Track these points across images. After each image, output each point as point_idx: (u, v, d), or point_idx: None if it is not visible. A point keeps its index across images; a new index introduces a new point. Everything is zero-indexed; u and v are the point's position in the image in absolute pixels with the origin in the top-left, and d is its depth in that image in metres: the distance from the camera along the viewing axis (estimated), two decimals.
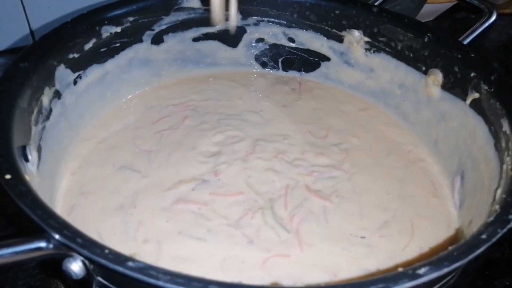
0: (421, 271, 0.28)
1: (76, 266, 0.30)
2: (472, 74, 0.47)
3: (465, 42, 0.52)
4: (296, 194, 0.47)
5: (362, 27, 0.57)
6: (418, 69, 0.54)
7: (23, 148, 0.39)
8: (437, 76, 0.52)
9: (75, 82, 0.51)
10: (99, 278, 0.32)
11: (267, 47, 0.63)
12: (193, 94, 0.59)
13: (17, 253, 0.29)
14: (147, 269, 0.27)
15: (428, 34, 0.52)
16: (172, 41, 0.59)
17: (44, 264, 0.47)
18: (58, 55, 0.47)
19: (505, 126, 0.41)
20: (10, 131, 0.37)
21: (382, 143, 0.54)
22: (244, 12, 0.60)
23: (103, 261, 0.28)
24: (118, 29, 0.53)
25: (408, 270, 0.28)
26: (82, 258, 0.30)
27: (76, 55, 0.50)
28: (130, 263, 0.28)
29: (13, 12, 0.71)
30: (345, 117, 0.58)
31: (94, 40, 0.51)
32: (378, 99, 0.60)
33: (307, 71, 0.64)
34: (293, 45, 0.63)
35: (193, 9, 0.58)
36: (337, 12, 0.58)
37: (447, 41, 0.51)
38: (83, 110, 0.52)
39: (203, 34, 0.61)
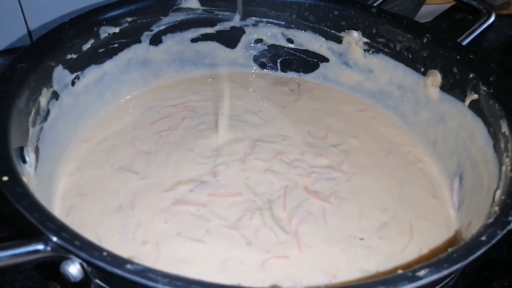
0: (421, 273, 0.28)
1: (74, 269, 0.30)
2: (471, 75, 0.47)
3: (464, 43, 0.52)
4: (295, 195, 0.47)
5: (361, 28, 0.57)
6: (417, 70, 0.54)
7: (21, 150, 0.38)
8: (436, 77, 0.52)
9: (73, 83, 0.50)
10: (97, 281, 0.32)
11: (266, 47, 0.63)
12: (192, 94, 0.59)
13: (14, 255, 0.29)
14: (145, 271, 0.27)
15: (427, 35, 0.52)
16: (170, 42, 0.59)
17: (42, 266, 0.46)
18: (56, 55, 0.47)
19: (504, 127, 0.41)
20: (7, 133, 0.37)
21: (381, 144, 0.54)
22: (243, 12, 0.60)
23: (101, 264, 0.28)
24: (117, 30, 0.53)
25: (408, 272, 0.28)
26: (80, 260, 0.30)
27: (74, 56, 0.49)
28: (128, 266, 0.27)
29: (10, 13, 0.71)
30: (344, 117, 0.58)
31: (92, 41, 0.51)
32: (377, 100, 0.60)
33: (306, 72, 0.64)
34: (292, 46, 0.62)
35: (191, 9, 0.58)
36: (336, 12, 0.58)
37: (446, 42, 0.51)
38: (81, 111, 0.52)
39: (201, 35, 0.60)
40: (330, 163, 0.51)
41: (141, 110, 0.57)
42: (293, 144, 0.53)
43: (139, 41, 0.57)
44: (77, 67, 0.50)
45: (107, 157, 0.50)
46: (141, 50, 0.57)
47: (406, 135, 0.56)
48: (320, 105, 0.60)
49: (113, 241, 0.41)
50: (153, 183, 0.47)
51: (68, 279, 0.31)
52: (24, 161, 0.38)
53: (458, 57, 0.49)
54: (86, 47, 0.51)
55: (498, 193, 0.37)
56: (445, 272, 0.28)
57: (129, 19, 0.54)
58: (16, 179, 0.33)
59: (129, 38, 0.55)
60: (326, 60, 0.62)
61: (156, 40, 0.58)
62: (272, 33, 0.62)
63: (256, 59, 0.64)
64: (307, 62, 0.63)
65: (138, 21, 0.55)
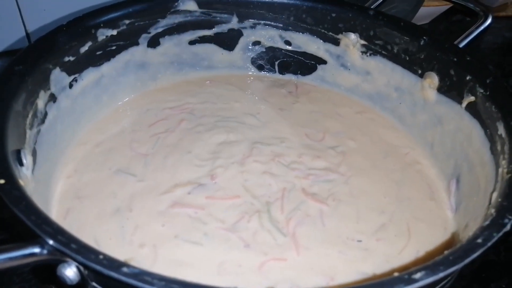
0: (417, 275, 0.28)
1: (70, 272, 0.30)
2: (467, 77, 0.47)
3: (461, 45, 0.52)
4: (293, 197, 0.47)
5: (359, 30, 0.57)
6: (414, 72, 0.54)
7: (18, 152, 0.38)
8: (433, 79, 0.52)
9: (70, 86, 0.50)
10: (94, 284, 0.32)
11: (264, 50, 0.63)
12: (190, 97, 0.59)
13: (10, 259, 0.29)
14: (141, 275, 0.27)
15: (424, 37, 0.52)
16: (168, 44, 0.59)
17: (39, 269, 0.46)
18: (54, 58, 0.47)
19: (501, 130, 0.41)
20: (4, 135, 0.37)
21: (379, 146, 0.54)
22: (240, 15, 0.60)
23: (98, 267, 0.28)
24: (114, 32, 0.53)
25: (404, 275, 0.28)
26: (76, 263, 0.30)
27: (71, 58, 0.49)
28: (124, 269, 0.27)
29: (8, 15, 0.71)
30: (342, 120, 0.58)
31: (90, 43, 0.51)
32: (375, 102, 0.60)
33: (303, 74, 0.64)
34: (289, 48, 0.63)
35: (189, 12, 0.58)
36: (333, 15, 0.58)
37: (443, 44, 0.51)
38: (79, 113, 0.52)
39: (199, 37, 0.60)
40: (327, 165, 0.51)
41: (139, 113, 0.57)
42: (291, 146, 0.53)
43: (137, 44, 0.57)
44: (74, 69, 0.50)
45: (105, 160, 0.50)
46: (138, 52, 0.57)
47: (404, 137, 0.56)
48: (318, 107, 0.60)
49: (111, 243, 0.41)
50: (150, 185, 0.47)
51: (65, 282, 0.31)
52: (21, 164, 0.38)
53: (455, 59, 0.49)
54: (83, 49, 0.51)
55: (495, 195, 0.37)
56: (441, 274, 0.28)
57: (127, 21, 0.54)
58: (13, 182, 0.33)
59: (127, 40, 0.55)
60: (324, 62, 0.62)
61: (153, 43, 0.58)
62: (270, 35, 0.62)
63: (253, 61, 0.64)
64: (305, 64, 0.63)
65: (136, 24, 0.55)
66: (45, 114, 0.46)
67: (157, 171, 0.49)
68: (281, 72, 0.65)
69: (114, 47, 0.54)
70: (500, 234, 0.31)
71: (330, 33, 0.59)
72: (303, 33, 0.61)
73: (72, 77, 0.50)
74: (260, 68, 0.65)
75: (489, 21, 0.53)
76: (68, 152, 0.50)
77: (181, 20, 0.58)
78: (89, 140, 0.52)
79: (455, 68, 0.49)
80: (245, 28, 0.61)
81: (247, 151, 0.52)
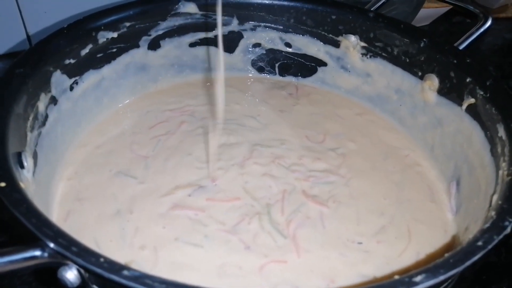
0: (417, 278, 0.28)
1: (71, 275, 0.30)
2: (468, 79, 0.47)
3: (461, 47, 0.52)
4: (293, 199, 0.47)
5: (359, 32, 0.57)
6: (414, 74, 0.54)
7: (19, 155, 0.38)
8: (433, 81, 0.52)
9: (71, 88, 0.50)
10: (95, 286, 0.32)
11: (264, 52, 0.63)
12: (190, 99, 0.59)
13: (11, 262, 0.29)
14: (142, 278, 0.27)
15: (424, 39, 0.52)
16: (168, 46, 0.59)
17: (40, 272, 0.46)
18: (54, 60, 0.47)
19: (501, 132, 0.41)
20: (5, 138, 0.37)
21: (379, 148, 0.55)
22: (241, 17, 0.60)
23: (98, 270, 0.28)
24: (115, 35, 0.53)
25: (404, 278, 0.28)
26: (77, 266, 0.30)
27: (72, 61, 0.49)
28: (125, 272, 0.27)
29: (9, 17, 0.71)
30: (342, 121, 0.58)
31: (90, 46, 0.51)
32: (375, 103, 0.60)
33: (304, 76, 0.64)
34: (290, 50, 0.63)
35: (190, 14, 0.58)
36: (333, 17, 0.58)
37: (443, 46, 0.51)
38: (80, 115, 0.52)
39: (200, 39, 0.61)
40: (328, 167, 0.51)
41: (139, 115, 0.57)
42: (291, 148, 0.53)
43: (137, 46, 0.57)
44: (75, 72, 0.51)
45: (105, 162, 0.50)
46: (139, 55, 0.57)
47: (404, 139, 0.56)
48: (318, 109, 0.60)
49: (111, 245, 0.41)
50: (151, 187, 0.47)
51: (66, 284, 0.31)
52: (22, 167, 0.38)
53: (455, 61, 0.49)
54: (84, 52, 0.51)
55: (495, 197, 0.37)
56: (442, 277, 0.28)
57: (127, 24, 0.54)
58: (13, 184, 0.33)
59: (127, 43, 0.56)
60: (324, 64, 0.62)
61: (154, 45, 0.58)
62: (270, 38, 0.62)
63: (254, 63, 0.64)
64: (305, 66, 0.63)
65: (137, 26, 0.55)
66: (46, 116, 0.46)
67: (158, 173, 0.49)
68: (282, 74, 0.65)
69: (114, 50, 0.55)
70: (501, 237, 0.31)
71: (330, 35, 0.59)
72: (303, 35, 0.61)
73: (73, 79, 0.51)
74: (260, 70, 0.65)
75: (489, 23, 0.53)
76: (68, 154, 0.50)
77: (181, 23, 0.58)
78: (89, 142, 0.52)
79: (455, 70, 0.49)
80: (245, 30, 0.61)
81: (247, 153, 0.52)
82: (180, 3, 0.57)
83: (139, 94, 0.59)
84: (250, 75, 0.65)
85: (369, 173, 0.51)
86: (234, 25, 0.61)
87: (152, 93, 0.60)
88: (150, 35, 0.57)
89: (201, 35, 0.60)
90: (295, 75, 0.64)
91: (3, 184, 0.32)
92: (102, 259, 0.28)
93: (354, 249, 0.42)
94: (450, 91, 0.50)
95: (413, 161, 0.53)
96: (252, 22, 0.61)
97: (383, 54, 0.57)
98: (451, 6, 0.81)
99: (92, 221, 0.43)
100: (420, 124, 0.55)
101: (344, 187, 0.49)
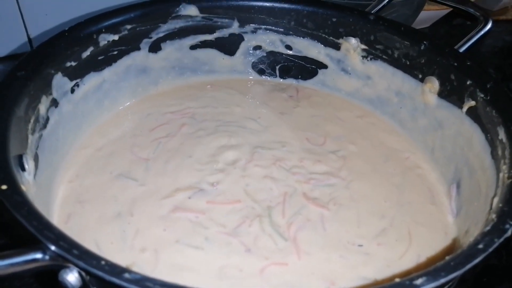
0: (418, 281, 0.28)
1: (72, 277, 0.30)
2: (468, 82, 0.47)
3: (461, 50, 0.52)
4: (294, 201, 0.47)
5: (359, 34, 0.57)
6: (415, 76, 0.54)
7: (20, 158, 0.38)
8: (433, 84, 0.52)
9: (72, 90, 0.51)
10: None
11: (265, 54, 0.63)
12: (191, 101, 0.60)
13: (12, 265, 0.29)
14: (143, 280, 0.27)
15: (425, 42, 0.52)
16: (169, 49, 0.59)
17: (40, 274, 0.46)
18: (56, 63, 0.47)
19: (501, 134, 0.41)
20: (6, 141, 0.37)
21: (379, 150, 0.55)
22: (241, 19, 0.60)
23: (99, 273, 0.28)
24: (116, 37, 0.54)
25: (405, 281, 0.28)
26: (78, 269, 0.30)
27: (73, 63, 0.50)
28: (126, 275, 0.27)
29: (11, 20, 0.71)
30: (343, 124, 0.58)
31: (91, 48, 0.51)
32: (375, 106, 0.60)
33: (304, 78, 0.64)
34: (290, 52, 0.63)
35: (190, 17, 0.58)
36: (334, 19, 0.58)
37: (444, 49, 0.51)
38: (81, 118, 0.52)
39: (200, 42, 0.61)
40: (328, 170, 0.51)
41: (140, 117, 0.57)
42: (292, 151, 0.53)
43: (138, 49, 0.57)
44: (76, 74, 0.51)
45: (106, 164, 0.50)
46: (140, 57, 0.57)
47: (404, 141, 0.56)
48: (319, 112, 0.60)
49: (112, 248, 0.41)
50: (151, 190, 0.47)
51: (67, 287, 0.31)
52: (23, 169, 0.38)
53: (456, 64, 0.49)
54: (85, 54, 0.51)
55: (496, 200, 0.37)
56: (442, 280, 0.28)
57: (129, 26, 0.54)
58: (14, 187, 0.33)
59: (128, 45, 0.56)
60: (324, 66, 0.62)
61: (155, 47, 0.58)
62: (270, 40, 0.62)
63: (254, 66, 0.64)
64: (306, 68, 0.63)
65: (138, 29, 0.55)
66: (47, 119, 0.46)
67: (158, 176, 0.49)
68: (282, 76, 0.65)
69: (115, 52, 0.55)
70: (502, 239, 0.31)
71: (331, 38, 0.60)
72: (304, 37, 0.61)
73: (74, 82, 0.51)
74: (261, 72, 0.65)
75: (489, 26, 0.53)
76: (69, 156, 0.50)
77: (182, 25, 0.58)
78: (90, 144, 0.52)
79: (455, 73, 0.49)
80: (246, 32, 0.61)
81: (248, 155, 0.52)
82: (181, 6, 0.57)
83: (140, 96, 0.59)
84: (251, 77, 0.65)
85: (369, 176, 0.51)
86: (235, 28, 0.61)
87: (153, 96, 0.60)
88: (151, 38, 0.57)
89: (202, 37, 0.60)
90: (296, 77, 0.64)
91: (4, 187, 0.33)
92: (103, 262, 0.28)
93: (354, 251, 0.42)
94: (451, 93, 0.50)
95: (414, 164, 0.53)
96: (253, 25, 0.61)
97: (384, 56, 0.57)
98: (452, 9, 0.81)
99: (93, 223, 0.44)
100: (420, 127, 0.55)
101: (344, 189, 0.49)
